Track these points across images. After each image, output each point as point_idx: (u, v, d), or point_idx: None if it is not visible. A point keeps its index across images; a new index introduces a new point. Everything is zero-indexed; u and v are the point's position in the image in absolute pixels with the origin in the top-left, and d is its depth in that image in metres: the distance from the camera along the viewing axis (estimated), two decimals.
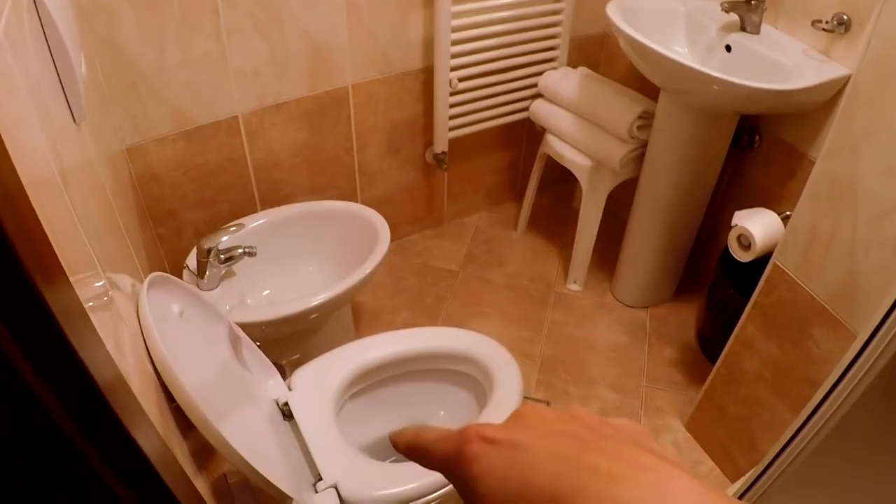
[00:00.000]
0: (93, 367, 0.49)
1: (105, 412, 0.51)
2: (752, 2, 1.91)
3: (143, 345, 1.04)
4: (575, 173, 2.31)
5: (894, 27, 1.25)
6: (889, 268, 1.30)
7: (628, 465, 0.30)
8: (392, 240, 1.95)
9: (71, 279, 0.54)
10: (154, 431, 0.67)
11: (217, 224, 1.89)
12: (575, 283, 2.51)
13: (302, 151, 2.16)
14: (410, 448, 0.40)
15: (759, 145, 2.08)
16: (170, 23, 1.72)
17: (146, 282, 1.13)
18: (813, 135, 1.88)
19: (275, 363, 1.51)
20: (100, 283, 0.84)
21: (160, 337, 1.05)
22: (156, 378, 1.04)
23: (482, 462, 0.33)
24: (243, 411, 1.28)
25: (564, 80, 2.28)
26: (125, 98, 1.76)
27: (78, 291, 0.55)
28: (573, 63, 2.47)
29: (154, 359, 1.04)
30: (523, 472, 0.32)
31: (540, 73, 2.37)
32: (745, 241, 1.79)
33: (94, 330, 0.56)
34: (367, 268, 1.83)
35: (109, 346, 0.63)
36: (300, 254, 2.03)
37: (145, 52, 1.73)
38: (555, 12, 2.32)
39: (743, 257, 1.81)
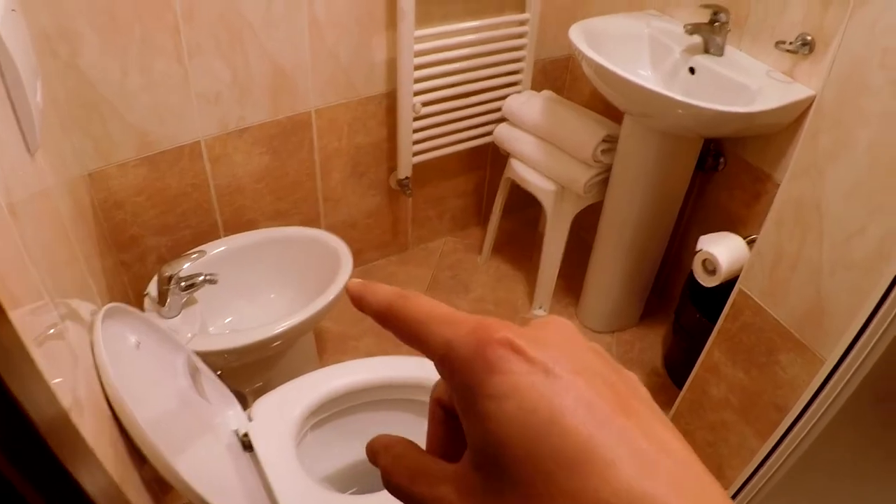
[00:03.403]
0: (30, 404, 0.46)
1: (44, 451, 0.49)
2: (716, 24, 1.92)
3: (97, 377, 1.01)
4: (539, 198, 2.30)
5: (858, 48, 1.25)
6: (855, 290, 1.30)
7: (656, 447, 0.26)
8: (356, 265, 1.93)
9: (13, 312, 0.51)
10: (101, 471, 0.64)
11: (180, 249, 1.87)
12: (541, 308, 2.50)
13: (265, 177, 2.14)
14: (390, 313, 0.34)
15: (724, 167, 2.09)
16: (132, 46, 1.70)
17: (100, 313, 1.10)
18: (778, 156, 1.89)
19: (237, 392, 1.49)
20: (50, 315, 0.81)
21: (114, 370, 1.02)
22: (110, 412, 1.00)
23: (507, 379, 0.28)
24: (201, 444, 1.25)
25: (528, 104, 2.28)
26: (87, 122, 1.73)
27: (20, 325, 0.52)
28: (537, 86, 2.47)
29: (107, 393, 1.01)
30: (553, 410, 0.27)
31: (504, 97, 2.37)
32: (710, 266, 1.79)
33: (34, 365, 0.53)
34: (330, 294, 1.81)
35: (58, 379, 0.61)
36: (262, 281, 2.01)
37: (107, 76, 1.70)
38: (518, 35, 2.32)
39: (708, 282, 1.80)
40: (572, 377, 0.28)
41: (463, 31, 2.20)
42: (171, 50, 1.76)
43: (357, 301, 0.35)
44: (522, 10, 2.32)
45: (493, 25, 2.25)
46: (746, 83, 1.81)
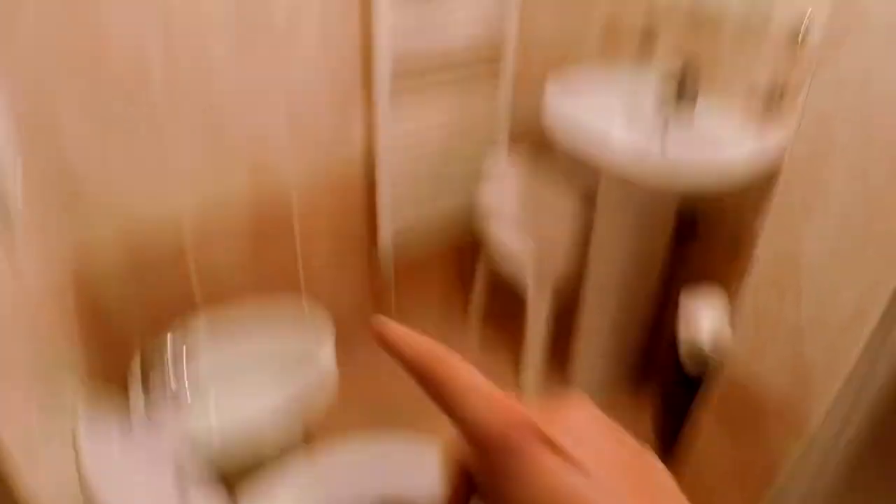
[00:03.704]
0: None
1: None
2: (687, 78, 1.94)
3: (76, 470, 0.99)
4: (520, 266, 2.29)
5: (825, 100, 1.25)
6: (836, 349, 1.27)
7: None
8: (340, 342, 1.92)
9: None
10: None
11: (162, 325, 1.86)
12: (528, 379, 2.47)
13: (246, 253, 2.14)
14: (426, 371, 0.33)
15: (700, 235, 2.09)
16: (113, 126, 1.71)
17: (81, 406, 1.09)
18: (753, 218, 1.89)
19: (219, 483, 1.46)
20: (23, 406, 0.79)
21: (93, 464, 1.00)
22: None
23: (532, 467, 0.28)
24: None
25: (506, 171, 2.29)
26: (67, 199, 1.73)
27: None
28: (515, 150, 2.49)
29: (82, 488, 0.98)
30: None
31: (483, 163, 2.39)
32: (696, 350, 1.77)
33: None
34: (313, 371, 1.80)
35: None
36: (245, 356, 1.98)
37: (87, 154, 1.71)
38: (493, 98, 2.37)
39: (695, 369, 1.79)
40: (601, 475, 0.28)
41: (439, 100, 2.24)
42: (151, 131, 1.78)
43: (388, 346, 0.35)
44: (496, 74, 2.36)
45: (467, 92, 2.30)
46: (720, 137, 1.85)
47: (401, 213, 2.31)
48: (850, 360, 1.05)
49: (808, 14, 1.67)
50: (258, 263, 2.17)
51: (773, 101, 1.79)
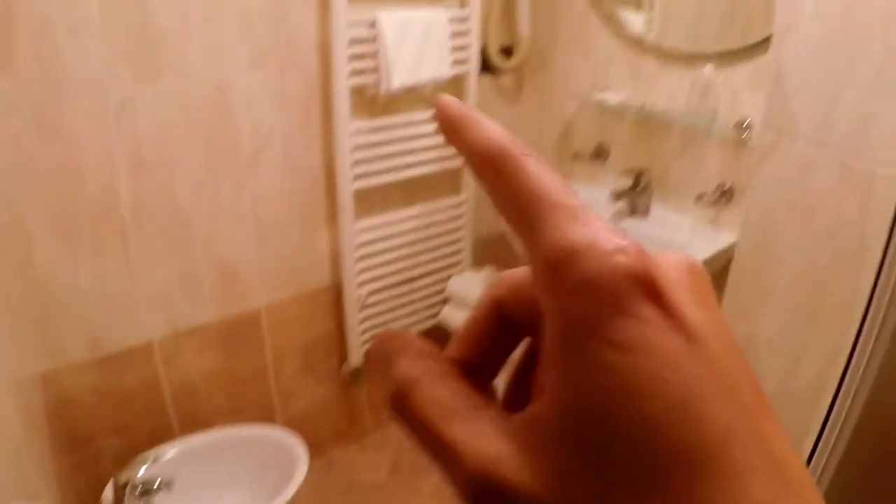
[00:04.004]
0: None
1: None
2: (638, 187, 2.03)
3: None
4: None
5: (767, 197, 1.34)
6: (800, 420, 1.33)
7: (786, 462, 0.21)
8: (315, 457, 1.92)
9: None
10: None
11: (135, 450, 1.84)
12: None
13: (217, 374, 2.15)
14: (501, 162, 0.24)
15: None
16: (82, 248, 1.75)
17: None
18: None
19: None
20: None
21: None
22: None
23: (640, 329, 0.21)
24: None
25: (471, 284, 2.34)
26: (38, 324, 1.75)
27: None
28: (479, 263, 2.55)
29: None
30: (692, 389, 0.21)
31: (447, 278, 2.44)
32: None
33: None
34: (287, 495, 1.79)
35: None
36: (218, 482, 1.97)
37: (59, 278, 1.74)
38: (457, 217, 2.43)
39: None
40: (716, 349, 0.22)
41: (402, 220, 2.29)
42: (121, 253, 1.82)
43: (452, 128, 0.26)
44: (458, 193, 2.43)
45: (430, 211, 2.35)
46: (674, 240, 1.91)
47: (369, 330, 2.34)
48: (814, 430, 1.10)
49: (748, 120, 1.80)
50: (230, 381, 2.19)
51: (723, 200, 1.89)
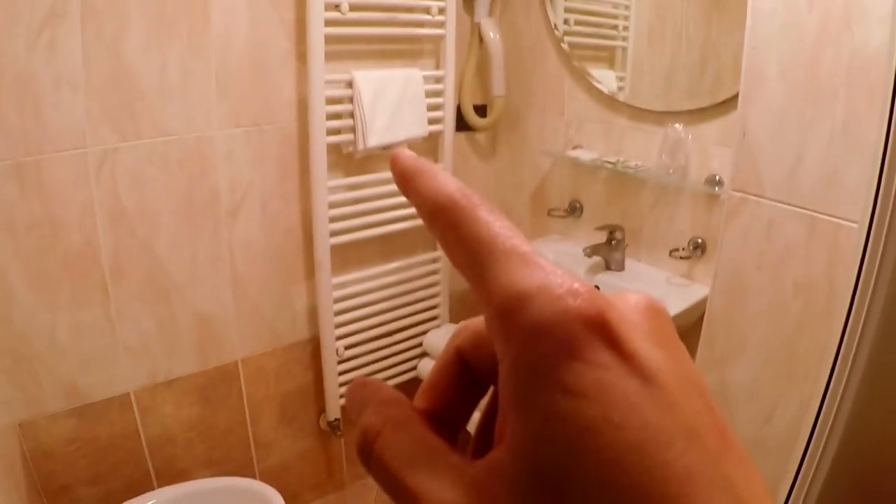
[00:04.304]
0: None
1: None
2: (613, 242, 2.06)
3: None
4: (466, 427, 2.32)
5: (735, 255, 1.37)
6: (776, 478, 1.35)
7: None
8: None
9: None
10: None
11: (113, 499, 1.84)
12: None
13: (196, 426, 2.13)
14: (452, 213, 0.25)
15: None
16: (62, 299, 1.75)
17: None
18: (691, 354, 1.98)
19: None
20: None
21: None
22: None
23: (593, 373, 0.21)
24: None
25: (448, 338, 2.34)
26: (17, 373, 1.74)
27: None
28: (456, 317, 2.57)
29: None
30: (648, 434, 0.20)
31: (425, 332, 2.45)
32: None
33: None
34: None
35: None
36: None
37: (38, 328, 1.74)
38: (433, 272, 2.45)
39: None
40: (675, 391, 0.21)
41: (379, 275, 2.30)
42: (99, 305, 1.82)
43: (406, 180, 0.27)
44: (434, 249, 2.45)
45: (407, 266, 2.37)
46: (649, 294, 1.92)
47: (346, 383, 2.32)
48: (789, 477, 1.12)
49: (718, 176, 1.84)
50: (208, 433, 2.17)
51: (697, 253, 1.93)
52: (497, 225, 0.24)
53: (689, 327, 1.92)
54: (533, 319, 0.22)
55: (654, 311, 0.24)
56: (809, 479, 1.02)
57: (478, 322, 0.28)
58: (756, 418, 1.38)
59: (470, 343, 0.29)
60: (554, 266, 0.23)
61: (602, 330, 0.21)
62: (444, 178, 0.26)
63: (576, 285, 0.22)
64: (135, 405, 1.98)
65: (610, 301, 0.23)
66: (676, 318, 1.81)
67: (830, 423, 0.95)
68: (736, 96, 1.42)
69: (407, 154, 0.28)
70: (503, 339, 0.23)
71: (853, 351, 0.91)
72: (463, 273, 0.25)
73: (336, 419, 2.35)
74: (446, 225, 0.25)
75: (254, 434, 2.30)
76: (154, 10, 1.71)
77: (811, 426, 1.15)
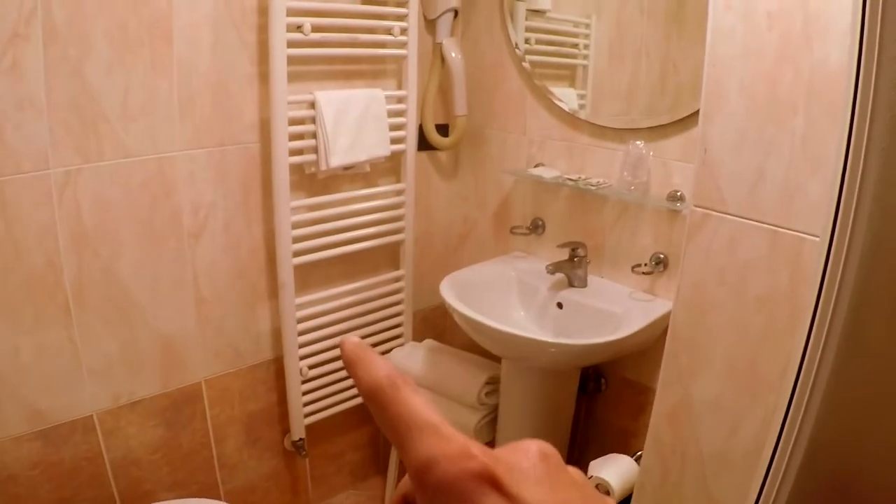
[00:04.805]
0: None
1: None
2: (575, 259, 2.07)
3: None
4: None
5: (698, 271, 1.39)
6: (742, 490, 1.36)
7: None
8: None
9: None
10: None
11: None
12: None
13: (160, 448, 2.11)
14: (378, 398, 0.31)
15: (606, 387, 2.18)
16: (23, 321, 1.73)
17: None
18: (654, 368, 1.99)
19: None
20: None
21: None
22: None
23: None
24: None
25: (411, 356, 2.35)
26: None
27: None
28: (419, 335, 2.57)
29: None
30: None
31: (388, 350, 2.44)
32: (604, 490, 1.83)
33: None
34: None
35: None
36: None
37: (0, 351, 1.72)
38: (396, 291, 2.45)
39: None
40: None
41: (342, 294, 2.30)
42: (62, 327, 1.79)
43: (347, 367, 0.33)
44: (397, 268, 2.45)
45: (370, 285, 2.37)
46: (612, 309, 1.94)
47: (311, 402, 2.33)
48: (755, 490, 1.13)
49: (680, 192, 1.86)
50: (173, 454, 2.14)
51: (659, 268, 1.95)
52: (415, 404, 0.30)
53: (653, 342, 1.94)
54: (438, 480, 0.27)
55: (543, 455, 0.31)
56: (775, 490, 1.03)
57: None
58: (721, 431, 1.40)
59: (411, 491, 0.34)
60: (457, 434, 0.29)
61: (492, 482, 0.27)
62: (376, 366, 0.32)
63: (472, 450, 0.28)
64: (98, 427, 1.95)
65: (499, 458, 0.29)
66: (640, 333, 1.83)
67: (795, 434, 0.96)
68: (696, 113, 1.44)
69: (350, 343, 0.33)
70: (420, 495, 0.28)
71: (815, 366, 0.92)
72: (392, 444, 0.30)
73: (301, 439, 2.34)
74: (376, 406, 0.31)
75: (218, 455, 2.27)
76: (117, 32, 1.70)
77: (775, 438, 1.16)
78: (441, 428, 0.29)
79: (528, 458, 0.30)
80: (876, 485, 0.89)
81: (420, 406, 0.30)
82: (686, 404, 1.46)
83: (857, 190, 0.80)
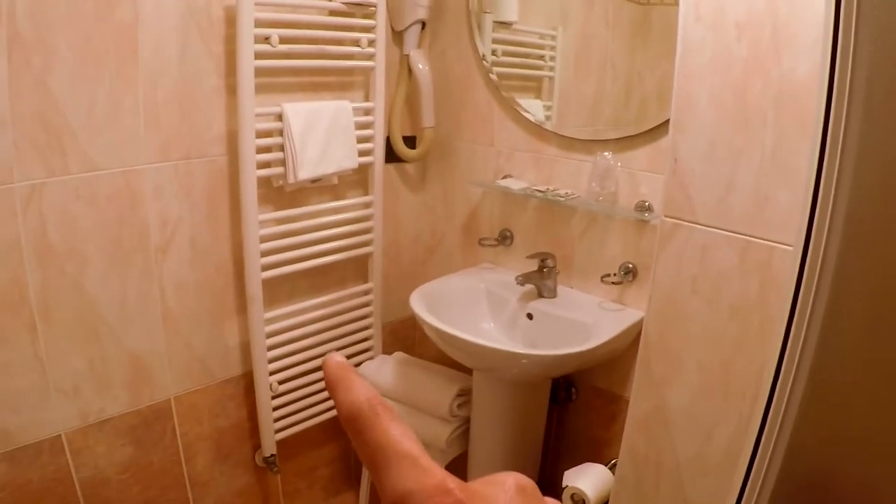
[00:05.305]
0: None
1: None
2: (544, 269, 2.08)
3: None
4: None
5: (670, 280, 1.40)
6: (717, 496, 1.37)
7: None
8: None
9: None
10: None
11: None
12: None
13: (129, 467, 2.07)
14: (356, 423, 0.31)
15: (577, 397, 2.19)
16: None
17: None
18: (625, 377, 2.02)
19: None
20: None
21: None
22: None
23: None
24: None
25: (381, 369, 2.34)
26: None
27: None
28: (388, 348, 2.56)
29: None
30: None
31: (358, 364, 2.43)
32: (579, 499, 1.84)
33: None
34: None
35: None
36: None
37: None
38: (364, 304, 2.44)
39: None
40: None
41: (311, 308, 2.29)
42: (28, 344, 1.76)
43: (329, 387, 0.33)
44: (366, 280, 2.45)
45: (338, 298, 2.36)
46: (582, 319, 1.95)
47: (281, 418, 2.31)
48: (733, 495, 1.14)
49: (648, 202, 1.88)
50: (143, 473, 2.11)
51: (628, 278, 1.96)
52: (394, 432, 0.30)
53: (623, 351, 1.95)
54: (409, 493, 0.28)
55: (520, 488, 0.31)
56: (756, 494, 1.04)
57: None
58: (696, 438, 1.41)
59: None
60: (435, 467, 0.29)
61: None
62: (357, 390, 0.32)
63: (449, 485, 0.28)
64: (67, 447, 1.92)
65: (475, 492, 0.29)
66: (610, 342, 1.84)
67: (774, 439, 0.97)
68: (663, 124, 1.46)
69: (333, 362, 0.33)
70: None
71: (792, 372, 0.94)
72: (368, 469, 0.30)
73: (272, 455, 2.32)
74: (354, 431, 0.31)
75: (189, 473, 2.24)
76: (82, 44, 1.68)
77: (754, 442, 1.18)
78: (420, 460, 0.29)
79: (504, 492, 0.30)
80: (851, 483, 0.91)
81: (399, 435, 0.30)
82: (660, 412, 1.47)
83: (831, 199, 0.81)
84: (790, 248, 0.97)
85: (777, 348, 0.95)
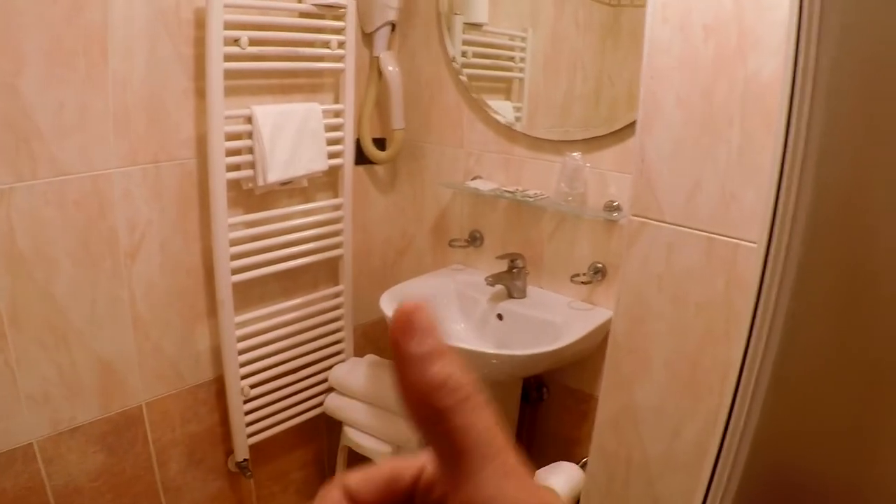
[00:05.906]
0: None
1: None
2: (514, 270, 2.09)
3: None
4: (376, 461, 2.31)
5: (637, 279, 1.41)
6: (687, 491, 1.39)
7: None
8: None
9: None
10: None
11: None
12: None
13: (102, 474, 2.05)
14: (445, 412, 0.26)
15: (548, 396, 2.20)
16: None
17: None
18: (595, 376, 2.03)
19: None
20: None
21: None
22: None
23: None
24: None
25: (353, 372, 2.34)
26: None
27: None
28: (360, 351, 2.56)
29: None
30: None
31: (330, 367, 2.43)
32: None
33: None
34: None
35: None
36: None
37: None
38: (335, 307, 2.44)
39: None
40: None
41: (281, 311, 2.28)
42: None
43: (401, 345, 0.27)
44: (336, 283, 2.45)
45: (309, 301, 2.36)
46: (551, 319, 1.97)
47: (253, 422, 2.31)
48: (700, 492, 1.15)
49: (617, 202, 1.89)
50: (115, 480, 2.09)
51: (597, 278, 1.98)
52: (484, 425, 0.26)
53: (593, 350, 1.96)
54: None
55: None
56: (722, 487, 1.05)
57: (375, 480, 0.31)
58: (664, 434, 1.42)
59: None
60: (529, 480, 0.25)
61: None
62: (441, 367, 0.27)
63: (550, 498, 0.25)
64: (38, 456, 1.90)
65: None
66: (580, 341, 1.86)
67: (739, 433, 0.98)
68: (631, 125, 1.47)
69: (413, 309, 0.27)
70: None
71: (756, 369, 0.95)
72: (441, 461, 0.26)
73: (245, 460, 2.31)
74: (433, 420, 0.26)
75: (162, 479, 2.23)
76: (50, 46, 1.67)
77: (720, 438, 1.19)
78: (516, 467, 0.26)
79: None
80: (812, 472, 0.92)
81: (491, 430, 0.26)
82: (629, 410, 1.48)
83: (794, 196, 0.83)
84: (755, 245, 0.99)
85: (741, 345, 0.96)
